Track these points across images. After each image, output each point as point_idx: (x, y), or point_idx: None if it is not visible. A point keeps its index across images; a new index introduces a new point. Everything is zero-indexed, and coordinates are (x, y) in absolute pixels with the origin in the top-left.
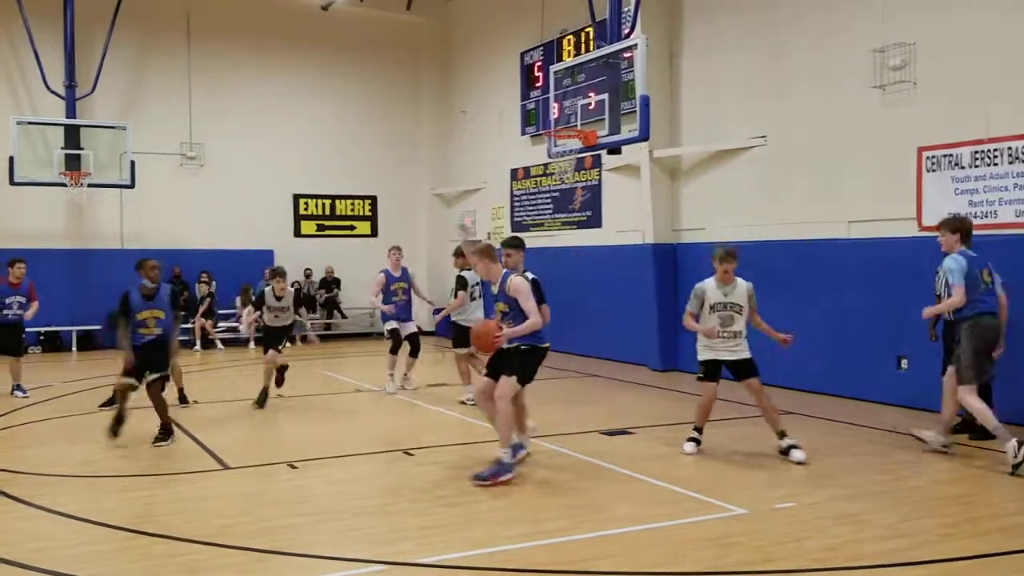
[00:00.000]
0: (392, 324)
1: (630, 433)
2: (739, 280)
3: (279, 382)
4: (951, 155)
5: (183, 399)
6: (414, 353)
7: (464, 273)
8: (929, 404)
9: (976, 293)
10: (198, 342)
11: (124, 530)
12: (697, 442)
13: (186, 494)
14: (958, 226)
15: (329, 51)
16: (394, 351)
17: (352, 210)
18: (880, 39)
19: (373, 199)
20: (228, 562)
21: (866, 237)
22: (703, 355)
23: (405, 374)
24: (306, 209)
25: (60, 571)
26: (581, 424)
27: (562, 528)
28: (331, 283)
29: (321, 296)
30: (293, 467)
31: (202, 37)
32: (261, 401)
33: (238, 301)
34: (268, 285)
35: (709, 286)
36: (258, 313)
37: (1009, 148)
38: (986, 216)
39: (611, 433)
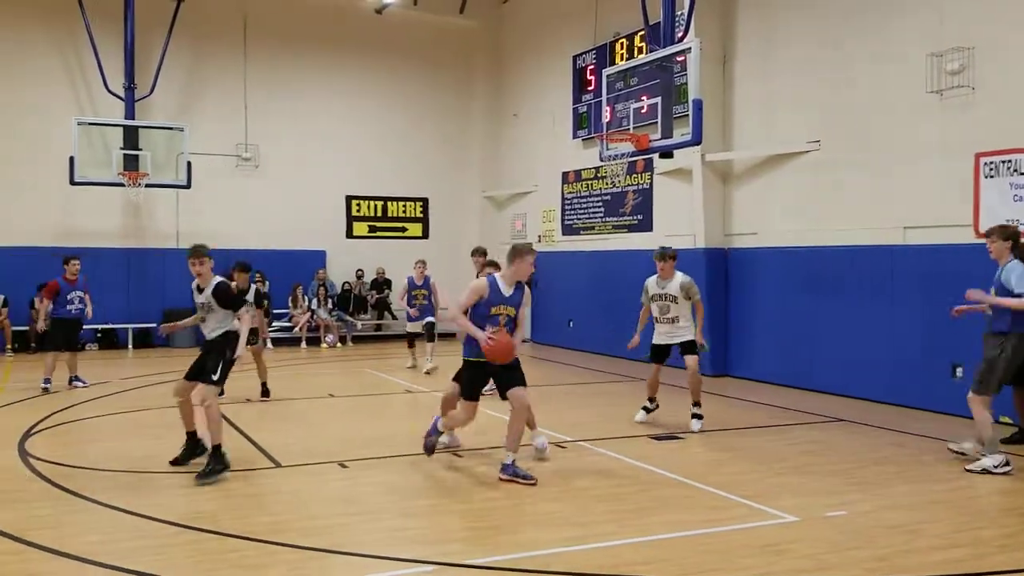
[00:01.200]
0: (410, 327)
1: (679, 438)
2: (677, 274)
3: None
4: (1010, 161)
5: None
6: (430, 339)
7: None
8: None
9: None
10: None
11: (177, 525)
12: (647, 410)
13: (238, 491)
14: (1010, 234)
15: (382, 54)
16: (411, 344)
17: (404, 212)
18: (938, 43)
19: (425, 201)
20: (278, 559)
21: (922, 243)
22: (653, 341)
23: (427, 357)
24: (358, 210)
25: (114, 564)
26: (630, 429)
27: (610, 532)
28: (382, 284)
29: (372, 297)
30: (344, 467)
31: (258, 40)
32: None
33: (290, 301)
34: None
35: (651, 281)
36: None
37: None
38: None
39: (660, 438)
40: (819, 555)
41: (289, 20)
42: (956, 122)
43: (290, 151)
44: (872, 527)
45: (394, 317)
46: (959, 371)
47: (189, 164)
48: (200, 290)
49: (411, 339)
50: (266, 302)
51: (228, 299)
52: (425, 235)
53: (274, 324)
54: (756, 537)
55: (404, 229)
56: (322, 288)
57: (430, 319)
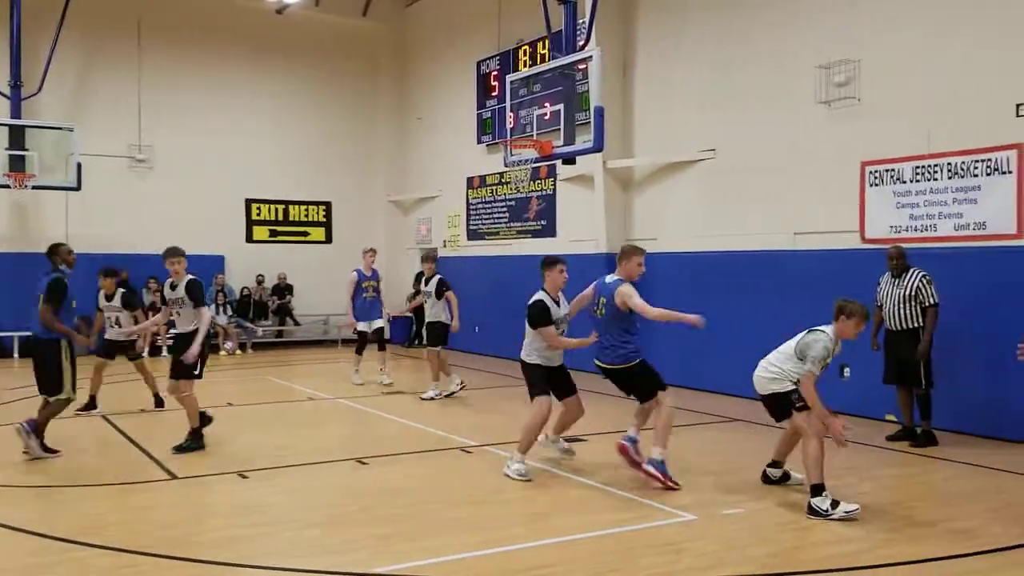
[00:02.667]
0: (361, 326)
1: (582, 440)
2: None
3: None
4: (893, 170)
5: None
6: (382, 347)
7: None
8: (870, 412)
9: None
10: (146, 349)
11: (64, 541)
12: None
13: (131, 504)
14: None
15: (284, 55)
16: (359, 351)
17: (306, 216)
18: (826, 56)
19: (328, 205)
20: (176, 574)
21: (811, 249)
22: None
23: (381, 369)
24: (258, 214)
25: None
26: None
27: (516, 536)
28: (284, 289)
29: (273, 303)
30: (244, 476)
31: (153, 38)
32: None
33: None
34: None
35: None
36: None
37: (948, 164)
38: (926, 230)
39: (568, 440)
40: (716, 552)
41: (186, 18)
42: (843, 132)
43: (187, 152)
44: (767, 524)
45: (296, 323)
46: (847, 371)
47: (79, 165)
48: (174, 287)
49: (361, 344)
50: (141, 307)
51: (199, 295)
52: (328, 239)
53: (170, 332)
54: (656, 536)
55: (306, 233)
56: (221, 293)
57: (380, 322)
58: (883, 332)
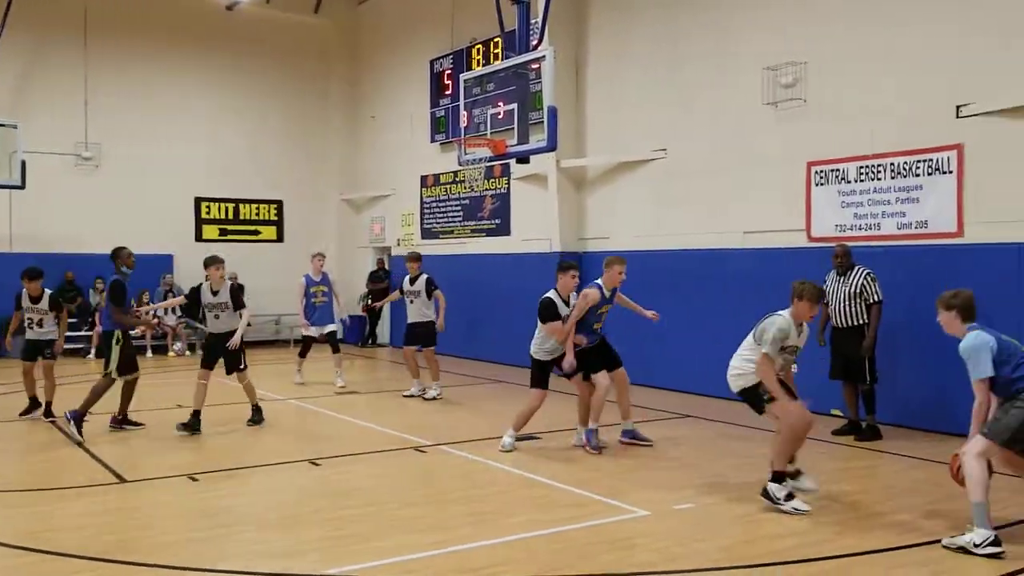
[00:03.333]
0: (312, 331)
1: (537, 438)
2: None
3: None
4: (838, 170)
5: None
6: (335, 350)
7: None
8: (816, 407)
9: None
10: (93, 350)
11: (8, 547)
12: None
13: (79, 509)
14: None
15: (234, 52)
16: (303, 354)
17: (257, 214)
18: (773, 58)
19: (279, 203)
20: None
21: (759, 247)
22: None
23: (337, 372)
24: (208, 213)
25: None
26: (490, 431)
27: (469, 535)
28: (235, 289)
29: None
30: (194, 480)
31: (100, 34)
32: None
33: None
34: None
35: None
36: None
37: (891, 164)
38: (870, 228)
39: (519, 439)
40: (668, 548)
41: (133, 14)
42: (790, 132)
43: (135, 150)
44: (717, 518)
45: (247, 323)
46: (794, 368)
47: (23, 163)
48: (215, 292)
49: (306, 347)
50: (67, 308)
51: (241, 298)
52: (280, 238)
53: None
54: (609, 533)
55: (258, 232)
56: (170, 294)
57: (332, 327)
58: (829, 329)
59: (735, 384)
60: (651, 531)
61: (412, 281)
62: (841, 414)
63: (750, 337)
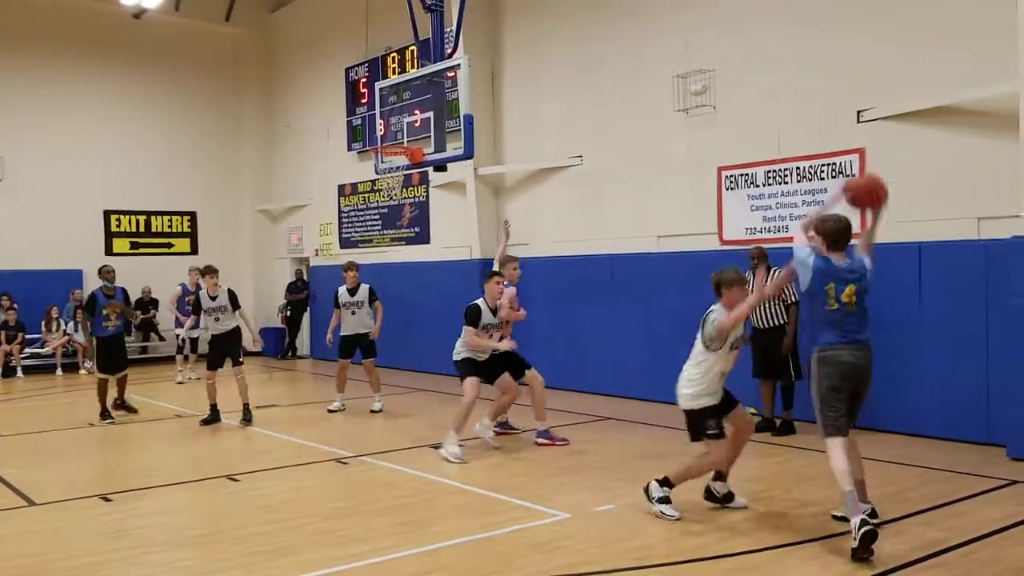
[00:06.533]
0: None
1: (460, 446)
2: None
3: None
4: (747, 174)
5: None
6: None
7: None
8: None
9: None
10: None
11: None
12: None
13: None
14: None
15: (143, 61)
16: (180, 351)
17: (169, 227)
18: (683, 66)
19: (192, 215)
20: None
21: (673, 251)
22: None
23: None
24: (118, 226)
25: None
26: (411, 439)
27: (392, 546)
28: (147, 304)
29: (137, 318)
30: (107, 500)
31: (1, 44)
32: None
33: (43, 324)
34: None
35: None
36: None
37: (797, 167)
38: (778, 231)
39: (440, 447)
40: (589, 549)
41: (36, 23)
42: (700, 138)
43: (40, 163)
44: (637, 519)
45: (161, 338)
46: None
47: None
48: (213, 298)
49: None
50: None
51: (236, 299)
52: (194, 250)
53: (25, 351)
54: (532, 537)
55: (171, 245)
56: (79, 310)
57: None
58: (749, 329)
59: (685, 402)
60: (572, 534)
61: (352, 292)
62: (756, 412)
63: (698, 344)
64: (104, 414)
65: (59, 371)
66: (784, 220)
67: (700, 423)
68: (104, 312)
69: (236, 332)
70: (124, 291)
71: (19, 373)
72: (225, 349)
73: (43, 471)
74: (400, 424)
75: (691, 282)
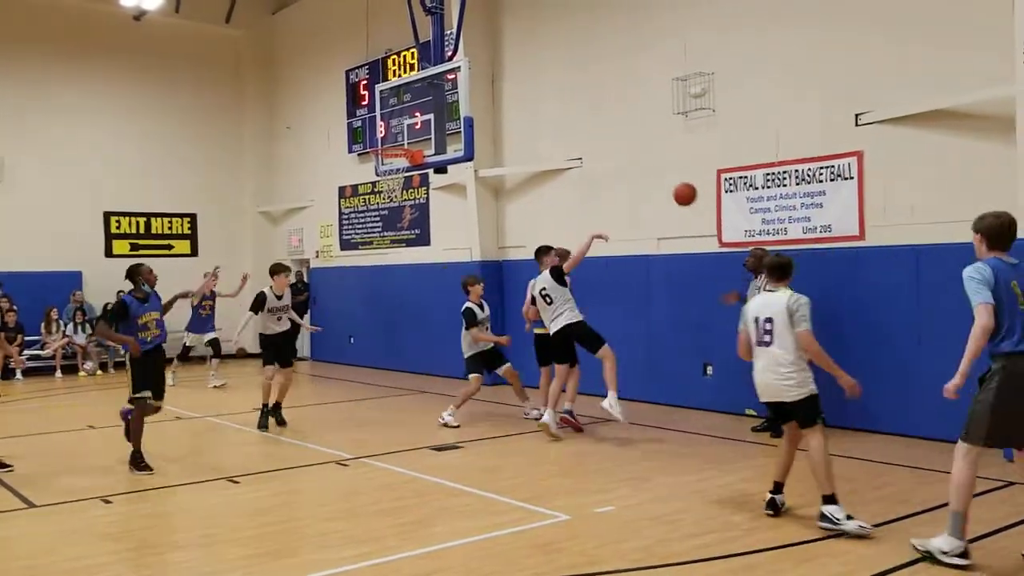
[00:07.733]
0: (191, 339)
1: (459, 448)
2: None
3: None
4: (746, 177)
5: None
6: (217, 354)
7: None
8: (731, 407)
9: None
10: None
11: None
12: None
13: None
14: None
15: (144, 64)
16: (181, 358)
17: (170, 228)
18: (682, 69)
19: (193, 217)
20: None
21: (673, 253)
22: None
23: (212, 373)
24: (118, 228)
25: None
26: (411, 441)
27: (392, 547)
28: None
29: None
30: (107, 502)
31: (2, 45)
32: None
33: (43, 326)
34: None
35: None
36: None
37: (796, 170)
38: (777, 233)
39: (440, 448)
40: (590, 550)
41: (38, 25)
42: (700, 141)
43: (40, 164)
44: (637, 520)
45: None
46: (709, 369)
47: None
48: (279, 297)
49: (184, 352)
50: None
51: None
52: (194, 252)
53: (24, 352)
54: (533, 538)
55: (171, 247)
56: (79, 311)
57: (212, 335)
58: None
59: (796, 393)
60: (573, 534)
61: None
62: (755, 414)
63: (785, 335)
64: (137, 459)
65: (58, 373)
66: (783, 223)
67: (815, 406)
68: (141, 321)
69: (294, 332)
70: (158, 295)
71: (18, 375)
72: (285, 348)
73: (44, 472)
74: (399, 426)
75: (690, 284)
